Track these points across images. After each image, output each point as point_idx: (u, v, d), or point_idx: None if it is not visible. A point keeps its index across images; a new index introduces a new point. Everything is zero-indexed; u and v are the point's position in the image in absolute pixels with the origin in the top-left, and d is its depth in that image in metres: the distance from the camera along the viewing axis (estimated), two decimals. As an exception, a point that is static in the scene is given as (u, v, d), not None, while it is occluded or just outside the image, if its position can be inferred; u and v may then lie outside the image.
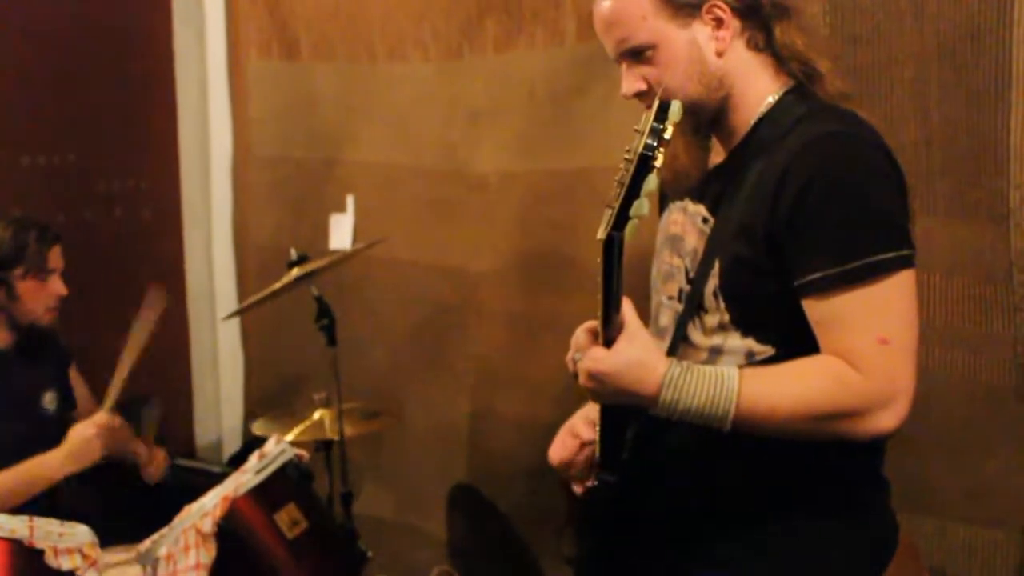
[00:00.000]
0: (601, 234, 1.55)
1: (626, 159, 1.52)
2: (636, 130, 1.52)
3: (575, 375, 1.68)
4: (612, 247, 1.55)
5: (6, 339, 3.01)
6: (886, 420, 1.61)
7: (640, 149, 1.50)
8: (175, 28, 4.04)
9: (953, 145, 2.39)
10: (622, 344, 1.61)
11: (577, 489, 1.98)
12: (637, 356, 1.61)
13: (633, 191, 1.51)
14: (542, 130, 3.25)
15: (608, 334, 1.63)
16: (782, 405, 1.60)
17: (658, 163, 1.50)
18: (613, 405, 1.75)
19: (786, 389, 1.61)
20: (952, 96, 2.38)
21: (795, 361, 1.64)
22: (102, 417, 3.01)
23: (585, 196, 3.13)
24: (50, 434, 3.12)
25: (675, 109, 1.51)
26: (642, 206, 1.51)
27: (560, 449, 1.99)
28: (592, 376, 1.63)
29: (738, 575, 1.78)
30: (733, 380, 1.61)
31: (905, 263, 1.63)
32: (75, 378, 3.30)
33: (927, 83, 2.42)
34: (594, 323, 1.65)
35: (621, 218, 1.52)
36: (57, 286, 3.02)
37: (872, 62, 2.47)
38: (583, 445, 1.97)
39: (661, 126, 1.51)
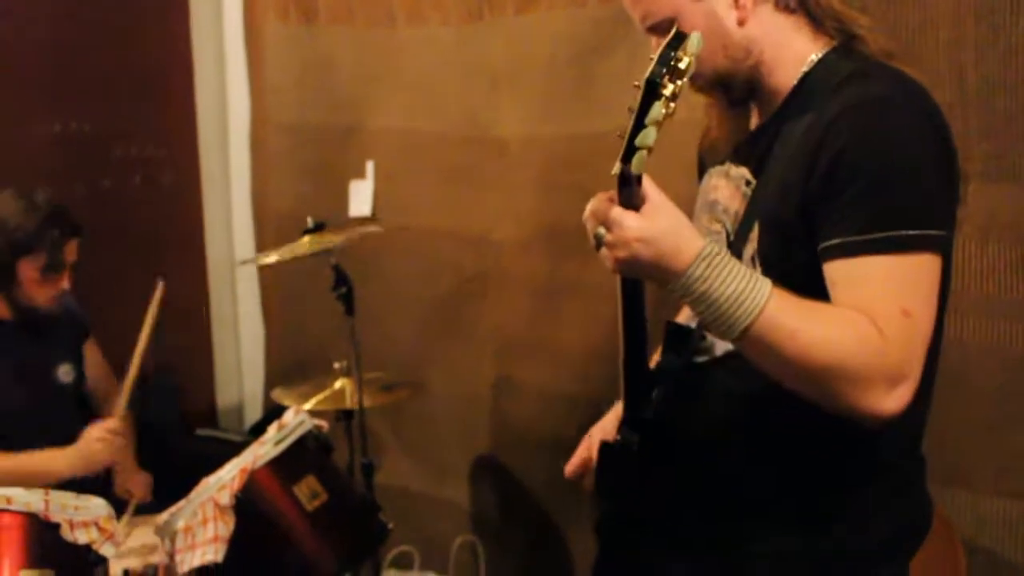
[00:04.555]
0: (615, 169, 1.49)
1: (635, 86, 1.46)
2: (650, 58, 1.46)
3: (597, 246, 1.55)
4: (628, 183, 1.49)
5: (9, 312, 2.98)
6: (890, 401, 1.51)
7: (647, 75, 1.44)
8: (192, -8, 4.00)
9: (991, 107, 2.34)
10: (653, 210, 1.50)
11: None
12: (674, 221, 1.51)
13: (639, 120, 1.44)
14: (564, 93, 3.20)
15: (629, 204, 1.51)
16: (802, 335, 1.51)
17: (667, 91, 1.43)
18: (637, 362, 1.70)
19: (811, 322, 1.52)
20: (990, 56, 2.33)
21: (825, 304, 1.56)
22: (114, 423, 2.96)
23: (609, 160, 3.06)
24: (67, 406, 3.10)
25: (694, 39, 1.45)
26: (647, 136, 1.44)
27: (575, 465, 2.06)
28: (627, 244, 1.50)
29: (767, 548, 1.73)
30: (766, 286, 1.52)
31: (933, 245, 1.55)
32: (91, 350, 3.28)
33: (964, 43, 2.37)
34: (611, 192, 1.54)
35: (629, 150, 1.46)
36: (63, 282, 2.96)
37: (907, 22, 2.41)
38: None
39: (673, 53, 1.44)
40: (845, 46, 1.71)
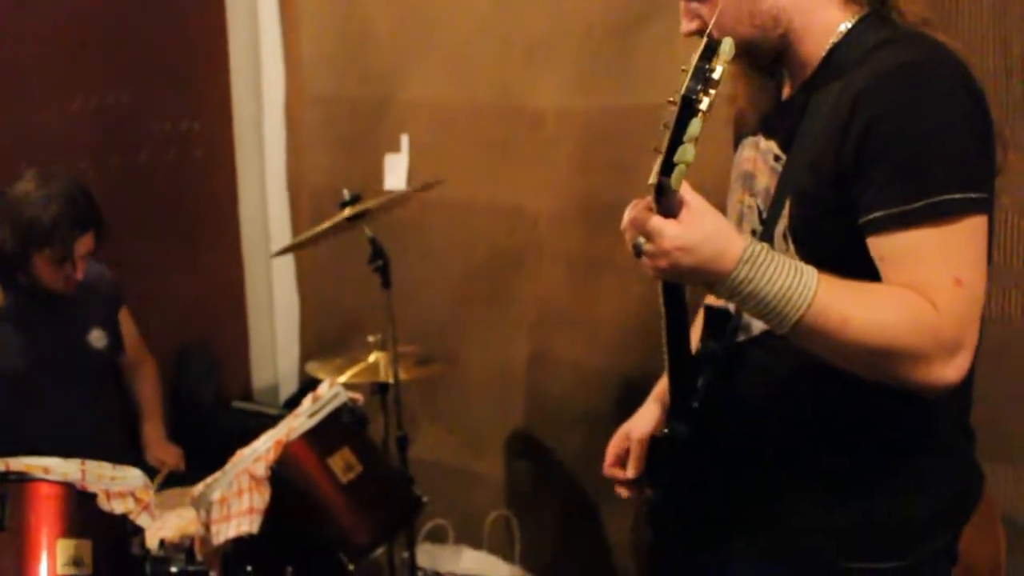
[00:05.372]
0: (652, 179, 1.47)
1: (670, 101, 1.44)
2: (683, 70, 1.44)
3: (637, 255, 1.54)
4: (665, 192, 1.47)
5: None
6: (949, 371, 1.49)
7: (683, 92, 1.42)
8: (225, -35, 3.99)
9: (1036, 75, 2.29)
10: (692, 216, 1.48)
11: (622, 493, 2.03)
12: (713, 227, 1.49)
13: (677, 136, 1.42)
14: (601, 65, 3.17)
15: (667, 212, 1.49)
16: (854, 321, 1.49)
17: (703, 106, 1.41)
18: (681, 353, 1.69)
19: (862, 306, 1.50)
20: (1035, 23, 2.28)
21: (874, 284, 1.54)
22: None
23: (646, 133, 2.99)
24: (99, 371, 3.11)
25: (726, 48, 1.42)
26: (686, 152, 1.42)
27: (610, 461, 2.04)
28: (668, 254, 1.49)
29: (814, 521, 1.72)
30: (812, 277, 1.50)
31: (975, 207, 1.52)
32: (125, 319, 3.29)
33: (1008, 10, 2.32)
34: (648, 199, 1.51)
35: (667, 164, 1.44)
36: (76, 273, 2.94)
37: (952, -12, 2.36)
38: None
39: (707, 66, 1.42)
40: (877, 14, 1.67)
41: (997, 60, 2.31)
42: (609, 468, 2.07)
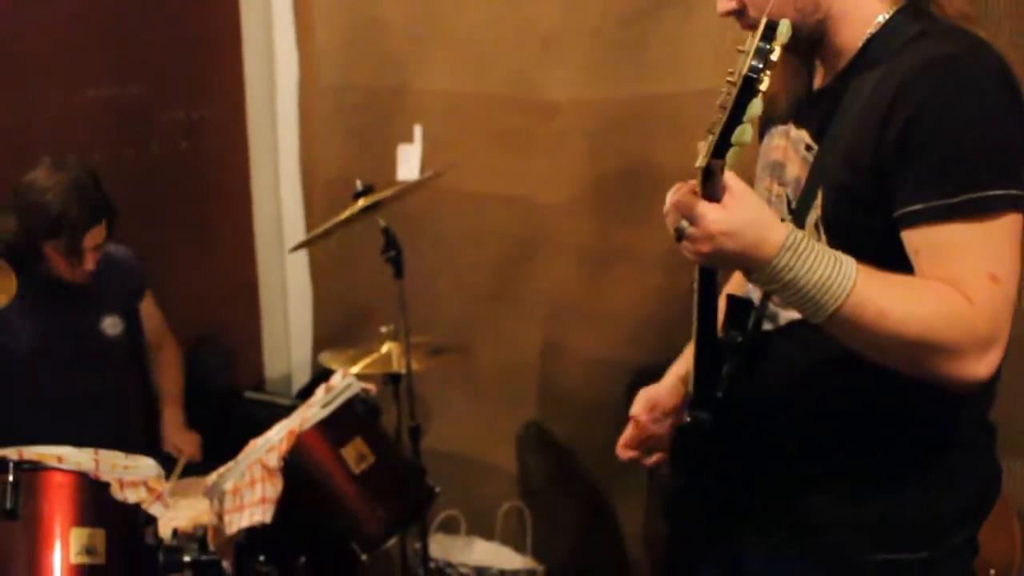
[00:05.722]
0: (701, 162, 1.46)
1: (729, 82, 1.43)
2: (740, 50, 1.43)
3: (678, 238, 1.53)
4: (712, 176, 1.46)
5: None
6: (982, 367, 1.49)
7: (744, 71, 1.40)
8: (239, -46, 3.98)
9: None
10: (735, 201, 1.48)
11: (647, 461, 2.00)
12: (757, 212, 1.49)
13: (736, 116, 1.41)
14: (614, 56, 3.16)
15: (711, 196, 1.49)
16: (891, 313, 1.48)
17: (763, 86, 1.41)
18: (708, 341, 1.69)
19: (899, 299, 1.49)
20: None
21: (910, 277, 1.54)
22: None
23: (659, 124, 3.04)
24: (112, 358, 3.11)
25: (783, 29, 1.42)
26: (745, 132, 1.42)
27: (624, 441, 2.02)
28: (712, 238, 1.48)
29: (838, 514, 1.71)
30: (852, 267, 1.49)
31: (1015, 204, 1.52)
32: (148, 306, 3.28)
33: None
34: (692, 183, 1.51)
35: (722, 145, 1.43)
36: (87, 263, 2.93)
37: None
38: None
39: (768, 46, 1.41)
40: (915, 6, 1.66)
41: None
42: (621, 448, 2.05)
